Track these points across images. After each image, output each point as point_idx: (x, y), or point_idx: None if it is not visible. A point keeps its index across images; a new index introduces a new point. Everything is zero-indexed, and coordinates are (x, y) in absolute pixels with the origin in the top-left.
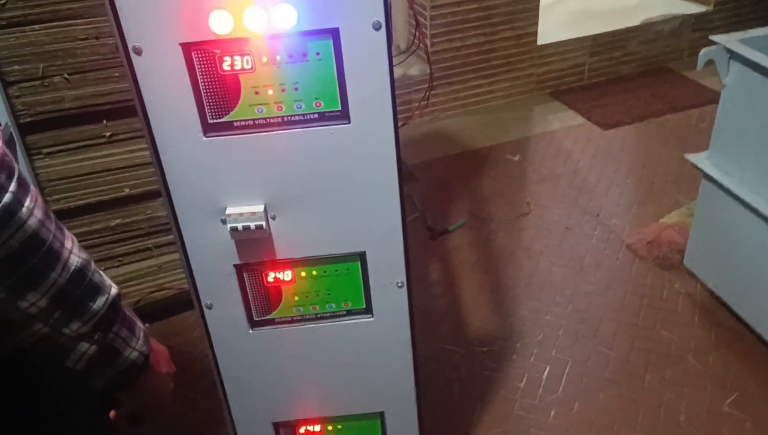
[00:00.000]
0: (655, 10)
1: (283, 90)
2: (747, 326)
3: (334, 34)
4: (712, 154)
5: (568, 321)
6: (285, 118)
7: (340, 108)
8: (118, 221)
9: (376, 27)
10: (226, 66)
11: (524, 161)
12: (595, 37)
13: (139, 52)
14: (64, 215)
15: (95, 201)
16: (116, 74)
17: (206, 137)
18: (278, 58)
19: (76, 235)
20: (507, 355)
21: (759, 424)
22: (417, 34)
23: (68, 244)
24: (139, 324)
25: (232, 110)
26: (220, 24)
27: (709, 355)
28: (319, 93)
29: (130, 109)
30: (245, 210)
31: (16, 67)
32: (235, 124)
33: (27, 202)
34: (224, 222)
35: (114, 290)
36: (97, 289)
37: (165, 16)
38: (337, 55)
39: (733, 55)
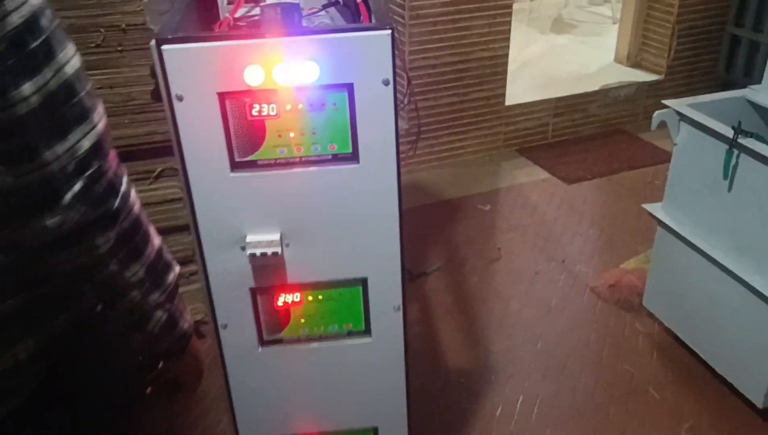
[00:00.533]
0: (612, 77)
1: (302, 134)
2: (701, 361)
3: (349, 88)
4: (666, 204)
5: (538, 357)
6: (303, 159)
7: (351, 151)
8: None
9: (385, 83)
10: (254, 112)
11: (494, 211)
12: (558, 100)
13: (180, 99)
14: None
15: None
16: (126, 121)
17: (233, 173)
18: (300, 106)
19: None
20: (482, 388)
21: None
22: (408, 91)
23: (150, 227)
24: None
25: (257, 150)
26: (253, 77)
27: (666, 388)
28: (334, 137)
29: (136, 153)
30: (263, 238)
31: None
32: (258, 162)
33: (132, 192)
34: (243, 249)
35: (177, 268)
36: (170, 265)
37: (206, 69)
38: (351, 105)
39: (682, 117)
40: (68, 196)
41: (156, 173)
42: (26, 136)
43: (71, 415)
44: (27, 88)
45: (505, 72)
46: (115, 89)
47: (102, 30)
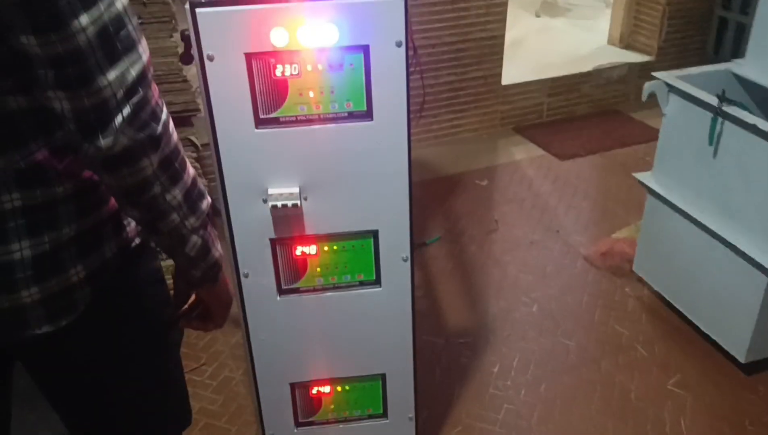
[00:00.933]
0: (605, 58)
1: (321, 93)
2: (687, 320)
3: (365, 49)
4: (655, 172)
5: (534, 318)
6: (321, 116)
7: (365, 108)
8: None
9: (398, 45)
10: (278, 72)
11: (491, 186)
12: (553, 80)
13: (211, 59)
14: None
15: None
16: None
17: (257, 129)
18: (320, 66)
19: None
20: (481, 346)
21: (697, 400)
22: (415, 59)
23: (186, 157)
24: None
25: (279, 108)
26: (278, 38)
27: (655, 345)
28: (350, 96)
29: None
30: (284, 191)
31: None
32: (281, 119)
33: (171, 122)
34: (265, 201)
35: (209, 198)
36: (203, 194)
37: (235, 31)
38: (367, 66)
39: (671, 88)
40: (118, 119)
41: None
42: (83, 63)
43: (115, 334)
44: (84, 19)
45: (502, 52)
46: None
47: None
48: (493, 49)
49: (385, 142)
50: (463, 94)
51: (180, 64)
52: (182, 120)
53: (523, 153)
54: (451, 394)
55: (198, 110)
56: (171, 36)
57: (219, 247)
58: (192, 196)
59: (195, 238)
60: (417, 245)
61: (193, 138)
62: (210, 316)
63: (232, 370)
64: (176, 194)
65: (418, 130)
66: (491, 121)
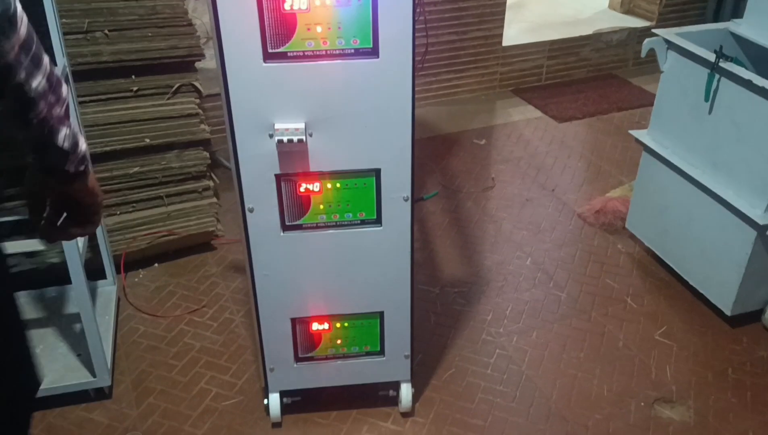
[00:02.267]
0: (605, 22)
1: (329, 28)
2: (676, 275)
3: None
4: (651, 130)
5: (527, 270)
6: (328, 52)
7: (371, 45)
8: (136, 169)
9: None
10: (287, 6)
11: (489, 145)
12: (553, 43)
13: None
14: (92, 160)
15: (120, 148)
16: (149, 34)
17: (265, 63)
18: (328, 2)
19: (99, 179)
20: (475, 296)
21: (682, 350)
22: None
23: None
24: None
25: (287, 42)
26: None
27: (644, 298)
28: (357, 33)
29: (157, 67)
30: (290, 126)
31: (65, 20)
32: (289, 54)
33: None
34: (271, 136)
35: (66, 86)
36: (61, 81)
37: None
38: (374, 2)
39: (670, 45)
40: None
41: (174, 88)
42: None
43: None
44: None
45: (503, 13)
46: (140, 1)
47: None
48: (494, 9)
49: (390, 81)
50: (463, 54)
51: (185, 6)
52: (186, 65)
53: (520, 114)
54: (445, 339)
55: (202, 55)
56: None
57: (84, 139)
58: (53, 83)
59: (65, 129)
60: (415, 200)
61: (196, 84)
62: (86, 216)
63: (232, 312)
64: (40, 80)
65: (418, 89)
66: (490, 82)
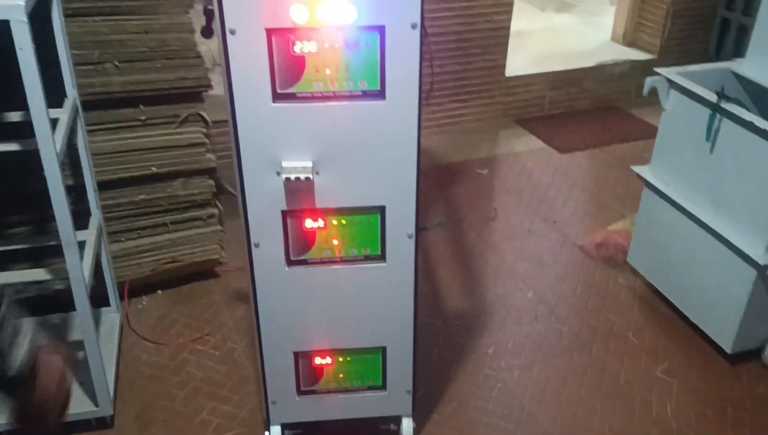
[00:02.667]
0: (608, 55)
1: (338, 71)
2: (677, 311)
3: (381, 30)
4: (653, 166)
5: (529, 304)
6: (336, 93)
7: (379, 87)
8: (142, 197)
9: (413, 26)
10: (297, 48)
11: (492, 175)
12: (556, 74)
13: (233, 33)
14: (98, 188)
15: (126, 176)
16: (158, 65)
17: (274, 103)
18: (337, 45)
19: (105, 207)
20: (478, 328)
21: (683, 386)
22: (426, 44)
23: None
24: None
25: (296, 83)
26: (298, 15)
27: (645, 333)
28: (365, 75)
29: (165, 97)
30: (297, 164)
31: (75, 51)
32: (297, 94)
33: None
34: (279, 173)
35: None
36: None
37: (257, 6)
38: (382, 46)
39: (672, 84)
40: None
41: (182, 118)
42: None
43: None
44: None
45: (507, 44)
46: (151, 34)
47: None
48: (498, 40)
49: (397, 122)
50: (467, 84)
51: (194, 39)
52: (194, 95)
53: (523, 144)
54: (448, 372)
55: (210, 86)
56: (187, 12)
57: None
58: None
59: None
60: (418, 229)
61: (203, 114)
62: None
63: (235, 341)
64: None
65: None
66: (494, 112)
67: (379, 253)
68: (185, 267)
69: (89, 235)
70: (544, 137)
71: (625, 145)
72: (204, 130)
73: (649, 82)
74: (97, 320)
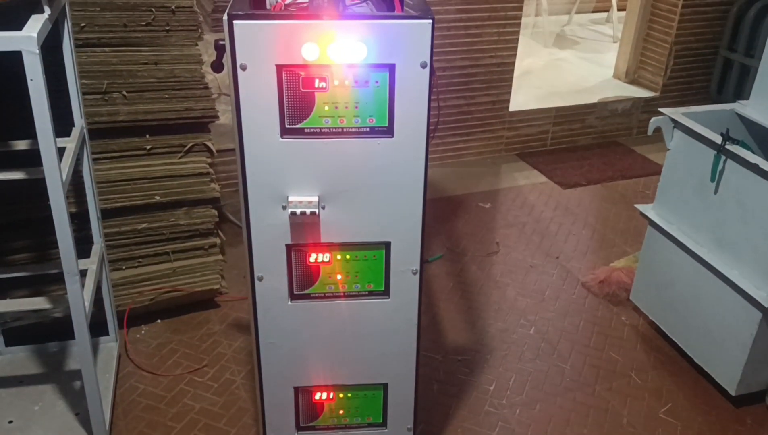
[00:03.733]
0: (610, 91)
1: (346, 107)
2: (680, 351)
3: (391, 68)
4: (656, 205)
5: (531, 340)
6: (344, 130)
7: (387, 125)
8: (144, 225)
9: (423, 66)
10: (307, 85)
11: (494, 209)
12: (558, 110)
13: (244, 68)
14: (102, 215)
15: (130, 205)
16: (166, 96)
17: (282, 138)
18: (347, 82)
19: (108, 235)
20: (479, 364)
21: (687, 428)
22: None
23: None
24: None
25: (305, 119)
26: (309, 53)
27: (648, 373)
28: (373, 112)
29: (171, 127)
30: (303, 199)
31: (84, 81)
32: (306, 130)
33: None
34: (284, 208)
35: None
36: None
37: (269, 43)
38: (391, 84)
39: (676, 124)
40: None
41: (187, 148)
42: None
43: None
44: None
45: (511, 79)
46: (160, 66)
47: (153, 10)
48: (502, 75)
49: (404, 159)
50: (470, 118)
51: (202, 71)
52: (200, 126)
53: (526, 179)
54: (448, 409)
55: (216, 117)
56: (196, 44)
57: None
58: None
59: None
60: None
61: (209, 144)
62: None
63: (233, 373)
64: None
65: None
66: (496, 146)
67: (383, 288)
68: (185, 296)
69: (91, 264)
70: (546, 172)
71: (627, 181)
72: (209, 160)
73: (653, 122)
74: (95, 349)
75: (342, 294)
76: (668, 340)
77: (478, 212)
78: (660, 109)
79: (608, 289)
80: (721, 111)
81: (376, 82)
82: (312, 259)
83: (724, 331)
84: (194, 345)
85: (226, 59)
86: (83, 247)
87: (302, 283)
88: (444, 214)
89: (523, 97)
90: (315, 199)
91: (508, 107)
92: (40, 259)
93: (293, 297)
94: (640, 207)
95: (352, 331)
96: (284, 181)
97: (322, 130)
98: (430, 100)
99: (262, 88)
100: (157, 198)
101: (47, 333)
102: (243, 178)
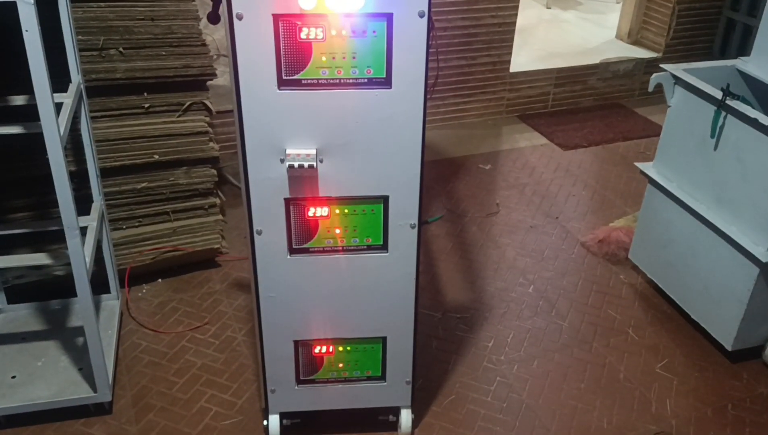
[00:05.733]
0: (613, 52)
1: (344, 58)
2: (677, 308)
3: (389, 17)
4: (656, 163)
5: (529, 298)
6: (342, 81)
7: (385, 76)
8: (144, 185)
9: (421, 15)
10: (303, 35)
11: (494, 171)
12: (560, 71)
13: (240, 18)
14: (101, 174)
15: (129, 164)
16: (163, 53)
17: (279, 90)
18: (344, 32)
19: (107, 194)
20: (477, 322)
21: (683, 383)
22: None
23: None
24: None
25: (302, 70)
26: (306, 1)
27: (645, 330)
28: (371, 63)
29: (169, 85)
30: (301, 151)
31: (80, 37)
32: (303, 81)
33: None
34: (282, 161)
35: None
36: None
37: None
38: (389, 34)
39: (677, 80)
40: None
41: (185, 106)
42: None
43: None
44: None
45: (512, 40)
46: (156, 21)
47: None
48: (503, 36)
49: (402, 111)
50: (471, 80)
51: (200, 27)
52: (198, 84)
53: (526, 141)
54: (447, 365)
55: (214, 75)
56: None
57: None
58: None
59: None
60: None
61: (207, 102)
62: None
63: (234, 330)
64: None
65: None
66: (497, 108)
67: (381, 243)
68: (186, 256)
69: (91, 221)
70: (547, 134)
71: (628, 142)
72: (207, 118)
73: (654, 78)
74: (97, 307)
75: (341, 248)
76: (666, 297)
77: (479, 174)
78: (662, 66)
79: (607, 248)
80: (723, 67)
81: (374, 31)
82: (310, 213)
83: (721, 287)
84: (195, 303)
85: (223, 9)
86: (83, 206)
87: (301, 237)
88: (444, 175)
89: (524, 58)
90: (313, 151)
91: (509, 68)
92: (42, 217)
93: (292, 251)
94: (640, 165)
95: (351, 285)
96: (282, 133)
97: (320, 82)
98: (428, 50)
99: (259, 39)
100: (156, 157)
101: (49, 290)
102: (240, 130)
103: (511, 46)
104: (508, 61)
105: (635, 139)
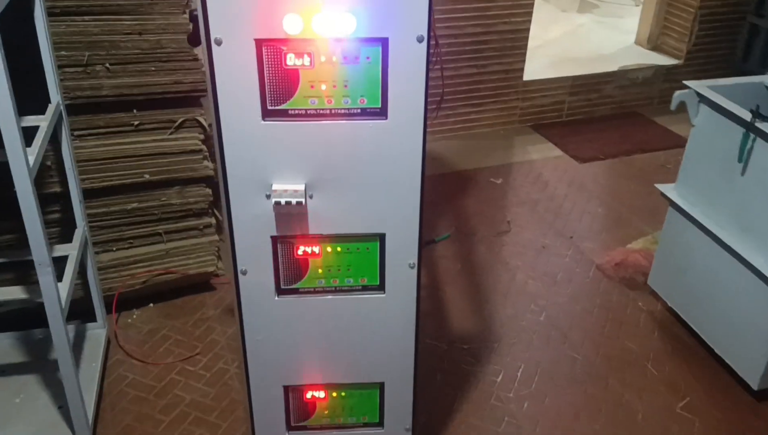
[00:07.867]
0: (631, 59)
1: (334, 86)
2: (700, 340)
3: (384, 42)
4: (679, 185)
5: (541, 327)
6: (333, 111)
7: (380, 105)
8: (134, 205)
9: (420, 40)
10: (290, 61)
11: (506, 185)
12: (575, 79)
13: (219, 43)
14: (88, 195)
15: (118, 184)
16: (152, 68)
17: (264, 121)
18: (334, 58)
19: (95, 215)
20: (485, 354)
21: (705, 425)
22: (436, 53)
23: None
24: None
25: (289, 99)
26: (291, 25)
27: (665, 364)
28: (365, 91)
29: (160, 101)
30: (289, 187)
31: (64, 52)
32: (290, 111)
33: None
34: (268, 197)
35: None
36: None
37: (246, 14)
38: (384, 60)
39: (702, 98)
40: None
41: (177, 123)
42: None
43: None
44: None
45: (525, 47)
46: (144, 36)
47: None
48: (516, 42)
49: (399, 143)
50: (482, 88)
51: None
52: (191, 100)
53: (540, 152)
54: (451, 401)
55: (206, 91)
56: (183, 12)
57: None
58: None
59: None
60: (425, 242)
61: (200, 119)
62: None
63: (227, 362)
64: None
65: (433, 123)
66: (509, 117)
67: (378, 283)
68: (179, 279)
69: (72, 250)
70: (561, 145)
71: (647, 155)
72: (201, 136)
73: (677, 96)
74: (81, 336)
75: (333, 289)
76: (687, 328)
77: (489, 188)
78: (685, 82)
79: (624, 272)
80: (750, 84)
81: (367, 58)
82: (300, 251)
83: (746, 321)
84: (187, 331)
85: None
86: (68, 230)
87: (290, 277)
88: (453, 190)
89: (538, 65)
90: (301, 187)
91: (522, 76)
92: (23, 244)
93: (280, 292)
94: (661, 187)
95: (345, 327)
96: (267, 167)
97: (308, 112)
98: (428, 78)
99: (240, 66)
100: (147, 176)
101: (32, 319)
102: (222, 164)
103: (524, 54)
104: (521, 69)
105: (654, 151)
